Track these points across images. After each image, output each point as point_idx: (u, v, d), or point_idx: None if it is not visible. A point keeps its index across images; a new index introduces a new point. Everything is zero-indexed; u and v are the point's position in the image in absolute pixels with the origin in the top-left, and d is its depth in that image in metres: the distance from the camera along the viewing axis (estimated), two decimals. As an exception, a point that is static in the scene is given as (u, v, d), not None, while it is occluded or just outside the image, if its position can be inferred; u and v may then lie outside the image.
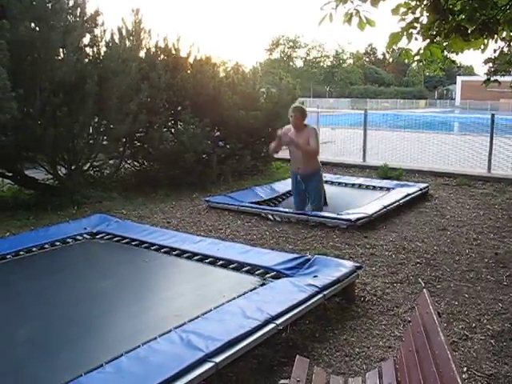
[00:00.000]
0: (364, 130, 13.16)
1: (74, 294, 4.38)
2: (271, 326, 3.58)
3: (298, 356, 2.86)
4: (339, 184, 9.69)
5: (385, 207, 7.53)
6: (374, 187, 9.32)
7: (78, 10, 8.43)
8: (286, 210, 7.49)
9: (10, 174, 8.66)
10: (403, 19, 5.59)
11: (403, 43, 5.70)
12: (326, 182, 9.77)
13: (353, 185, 9.63)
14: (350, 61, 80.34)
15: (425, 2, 5.45)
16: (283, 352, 3.74)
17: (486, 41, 6.02)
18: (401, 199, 8.07)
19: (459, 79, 62.77)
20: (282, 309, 3.77)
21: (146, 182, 9.61)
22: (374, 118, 17.39)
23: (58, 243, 5.60)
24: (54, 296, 4.33)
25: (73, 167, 8.54)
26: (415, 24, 5.54)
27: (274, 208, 7.63)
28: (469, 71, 71.00)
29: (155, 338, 3.35)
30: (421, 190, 8.94)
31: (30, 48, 7.62)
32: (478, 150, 12.41)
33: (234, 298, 4.05)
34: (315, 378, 2.74)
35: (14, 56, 7.12)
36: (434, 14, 5.34)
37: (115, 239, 5.77)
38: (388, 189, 9.01)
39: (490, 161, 11.40)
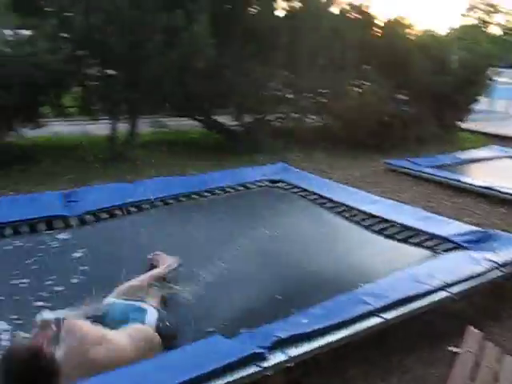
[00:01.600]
0: None
1: (255, 238, 4.50)
2: (443, 293, 3.52)
3: (470, 327, 2.79)
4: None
5: None
6: None
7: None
8: (470, 180, 7.18)
9: (201, 118, 9.24)
10: None
11: None
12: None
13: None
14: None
15: None
16: (453, 322, 3.66)
17: None
18: None
19: None
20: (457, 278, 3.68)
21: (326, 138, 9.66)
22: None
23: (240, 187, 5.96)
24: (239, 237, 4.45)
25: (258, 116, 8.86)
26: None
27: (456, 177, 7.31)
28: None
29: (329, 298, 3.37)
30: None
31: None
32: None
33: (409, 265, 4.01)
34: (488, 353, 2.66)
35: (212, 7, 7.47)
36: None
37: (294, 190, 5.96)
38: None
39: None
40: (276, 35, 8.15)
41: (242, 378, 2.50)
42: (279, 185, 6.15)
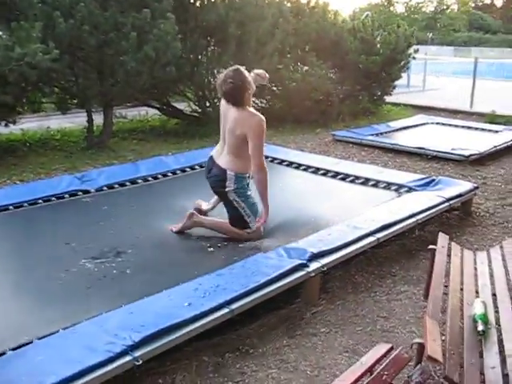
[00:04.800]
0: (473, 76, 13.50)
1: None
2: (410, 220, 4.74)
3: (441, 233, 3.93)
4: (450, 125, 10.47)
5: (495, 146, 8.31)
6: (483, 129, 10.05)
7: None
8: (405, 143, 8.46)
9: (158, 106, 10.11)
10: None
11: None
12: (438, 123, 10.60)
13: (462, 127, 10.38)
14: (455, 6, 76.87)
15: None
16: (417, 244, 4.86)
17: None
18: (510, 140, 8.80)
19: None
20: (416, 211, 4.90)
21: (271, 118, 10.66)
22: (480, 66, 17.41)
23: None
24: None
25: (215, 101, 9.85)
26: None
27: (393, 141, 8.58)
28: None
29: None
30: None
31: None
32: None
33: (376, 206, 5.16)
34: (453, 248, 3.82)
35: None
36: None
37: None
38: (496, 131, 9.73)
39: None
40: (227, 27, 9.10)
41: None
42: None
